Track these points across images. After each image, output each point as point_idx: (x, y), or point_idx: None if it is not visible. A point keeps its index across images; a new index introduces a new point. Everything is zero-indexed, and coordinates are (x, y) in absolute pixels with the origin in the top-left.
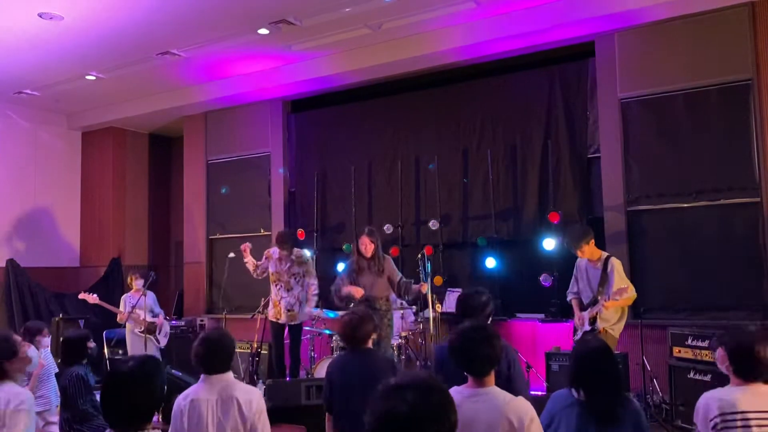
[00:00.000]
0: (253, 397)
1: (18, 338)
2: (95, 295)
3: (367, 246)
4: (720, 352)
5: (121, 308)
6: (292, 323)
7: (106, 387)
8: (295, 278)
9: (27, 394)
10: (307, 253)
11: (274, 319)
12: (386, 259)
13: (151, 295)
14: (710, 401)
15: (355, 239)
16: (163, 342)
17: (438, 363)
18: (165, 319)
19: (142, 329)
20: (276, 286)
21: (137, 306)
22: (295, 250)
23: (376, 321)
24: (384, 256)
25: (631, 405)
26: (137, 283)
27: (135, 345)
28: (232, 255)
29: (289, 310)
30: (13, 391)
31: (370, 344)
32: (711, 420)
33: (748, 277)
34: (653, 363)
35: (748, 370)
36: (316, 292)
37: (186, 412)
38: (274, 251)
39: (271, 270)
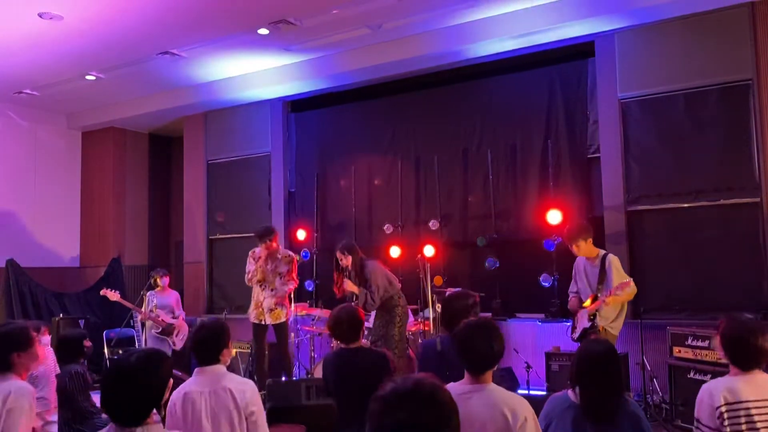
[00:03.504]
0: (246, 387)
1: (34, 334)
2: (117, 292)
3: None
4: (717, 340)
5: (144, 305)
6: (276, 323)
7: (109, 378)
8: (281, 278)
9: (29, 389)
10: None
11: (256, 321)
12: (365, 271)
13: (174, 295)
14: (714, 391)
15: (355, 239)
16: (179, 344)
17: (422, 360)
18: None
19: (159, 330)
20: (260, 286)
21: (150, 305)
22: (282, 249)
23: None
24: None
25: (629, 407)
26: (162, 282)
27: (151, 345)
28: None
29: (271, 310)
30: (14, 386)
31: (361, 342)
32: (717, 409)
33: (748, 277)
34: (653, 363)
35: (743, 359)
36: (293, 287)
37: (180, 405)
38: (260, 251)
39: (261, 271)
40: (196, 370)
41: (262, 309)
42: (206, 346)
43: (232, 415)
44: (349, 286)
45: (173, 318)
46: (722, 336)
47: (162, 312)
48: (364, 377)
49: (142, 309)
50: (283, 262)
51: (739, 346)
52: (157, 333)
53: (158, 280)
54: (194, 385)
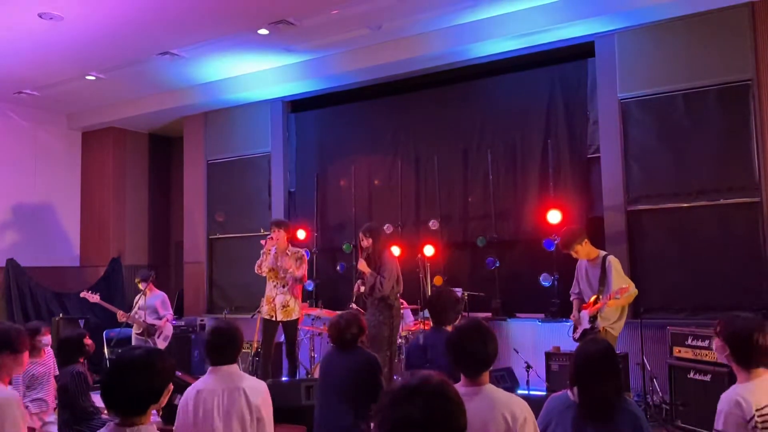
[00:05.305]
0: (259, 386)
1: (27, 340)
2: (97, 295)
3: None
4: (717, 342)
5: (135, 308)
6: (287, 320)
7: (112, 368)
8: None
9: (16, 397)
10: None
11: (267, 317)
12: (383, 258)
13: (159, 295)
14: (740, 400)
15: (355, 239)
16: (162, 345)
17: (407, 358)
18: (174, 321)
19: (140, 331)
20: (272, 282)
21: (135, 307)
22: (291, 247)
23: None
24: (381, 255)
25: (628, 407)
26: (142, 286)
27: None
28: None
29: (284, 307)
30: (1, 395)
31: (357, 344)
32: (751, 420)
33: (748, 277)
34: (653, 363)
35: (747, 358)
36: (302, 275)
37: (192, 402)
38: (269, 239)
39: (270, 265)
40: (209, 369)
41: (274, 305)
42: (221, 349)
43: (245, 414)
44: (363, 266)
45: (157, 319)
46: (726, 335)
47: (144, 313)
48: (346, 371)
49: (120, 310)
50: (292, 259)
51: (743, 344)
52: (137, 334)
53: (139, 285)
54: (208, 384)
